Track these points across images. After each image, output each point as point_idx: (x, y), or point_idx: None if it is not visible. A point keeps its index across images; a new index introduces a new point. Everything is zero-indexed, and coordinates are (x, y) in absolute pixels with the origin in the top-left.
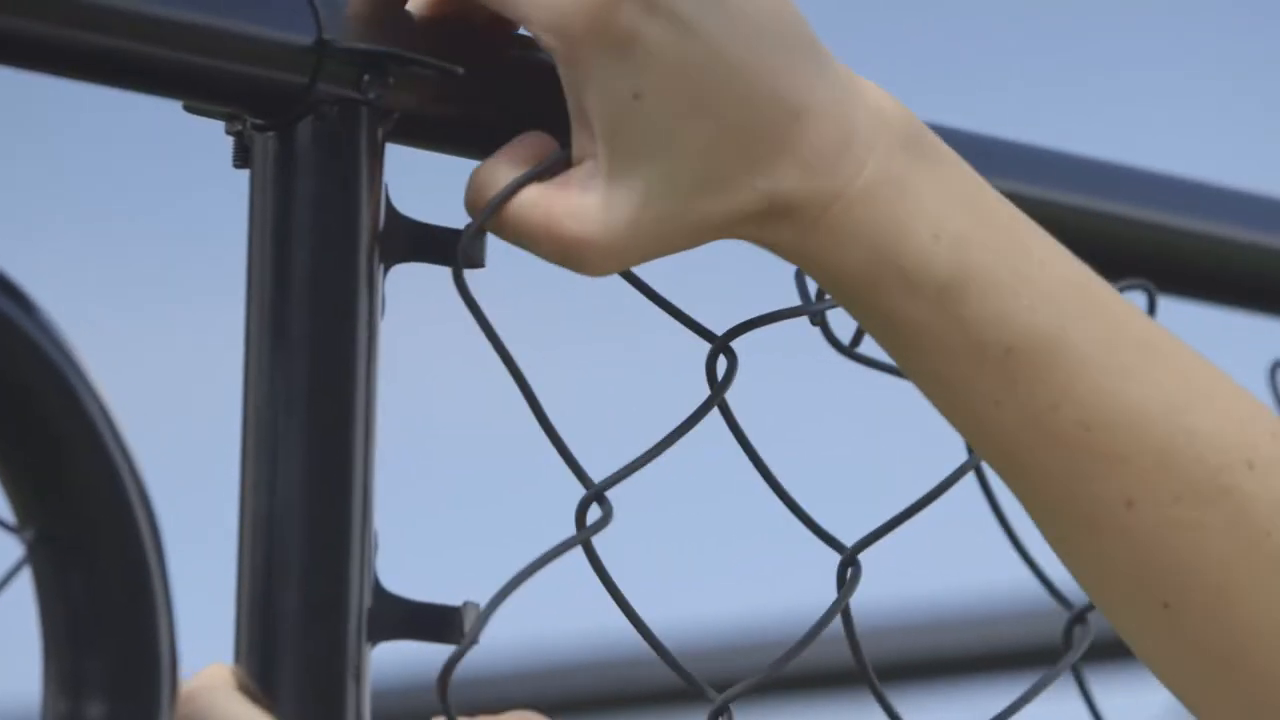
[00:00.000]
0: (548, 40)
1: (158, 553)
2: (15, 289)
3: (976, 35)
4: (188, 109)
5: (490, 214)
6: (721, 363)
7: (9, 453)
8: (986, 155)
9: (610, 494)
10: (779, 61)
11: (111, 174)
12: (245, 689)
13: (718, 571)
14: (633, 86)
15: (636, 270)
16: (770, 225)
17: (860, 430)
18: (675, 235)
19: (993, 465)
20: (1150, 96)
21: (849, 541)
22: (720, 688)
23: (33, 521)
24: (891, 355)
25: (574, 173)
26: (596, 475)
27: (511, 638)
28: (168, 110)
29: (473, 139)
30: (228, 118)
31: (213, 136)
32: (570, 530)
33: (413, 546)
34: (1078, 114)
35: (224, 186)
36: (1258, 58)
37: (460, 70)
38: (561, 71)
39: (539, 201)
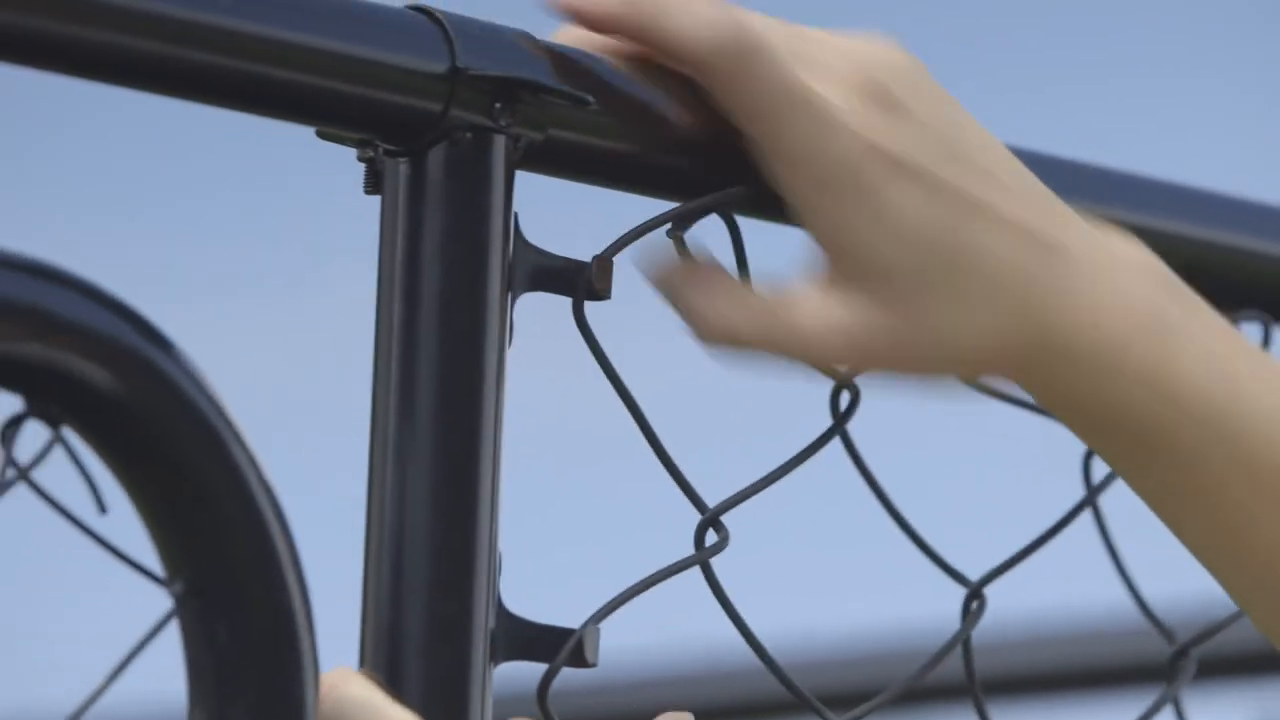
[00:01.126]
0: (787, 182)
1: (304, 604)
2: (159, 335)
3: (995, 38)
4: (320, 135)
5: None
6: (845, 396)
7: (157, 504)
8: (1094, 182)
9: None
10: (1025, 204)
11: (111, 171)
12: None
13: (823, 585)
14: (877, 220)
15: None
16: (1043, 366)
17: (976, 456)
18: (931, 360)
19: (1245, 578)
20: (1175, 99)
21: (970, 572)
22: (828, 703)
23: (180, 574)
24: (1158, 495)
25: (803, 283)
26: (712, 495)
27: (614, 649)
28: (166, 108)
29: (603, 168)
30: (360, 144)
31: (214, 137)
32: (682, 551)
33: (535, 568)
34: (1102, 119)
35: (227, 187)
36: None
37: (591, 100)
38: (798, 208)
39: (768, 308)
